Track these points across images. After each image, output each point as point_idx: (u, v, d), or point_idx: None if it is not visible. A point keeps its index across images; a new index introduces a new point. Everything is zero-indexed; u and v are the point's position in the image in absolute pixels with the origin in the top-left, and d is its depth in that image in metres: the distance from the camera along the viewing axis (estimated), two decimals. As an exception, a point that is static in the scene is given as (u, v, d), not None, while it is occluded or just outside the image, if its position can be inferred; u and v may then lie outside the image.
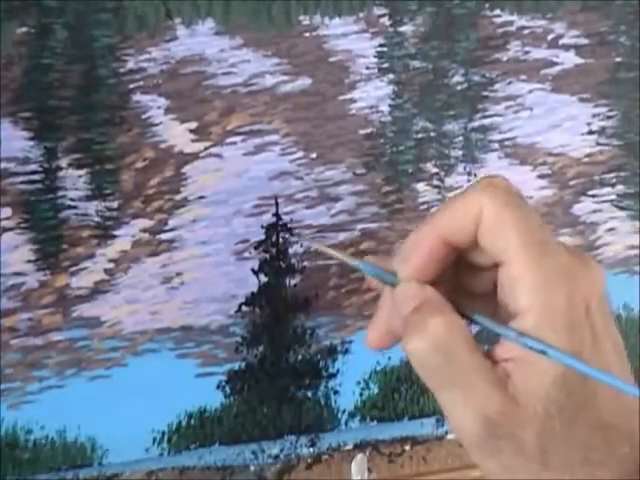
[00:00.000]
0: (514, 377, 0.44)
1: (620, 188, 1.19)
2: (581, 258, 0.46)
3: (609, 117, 1.17)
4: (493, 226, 0.45)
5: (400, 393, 1.14)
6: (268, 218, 1.09)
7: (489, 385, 0.44)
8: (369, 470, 1.12)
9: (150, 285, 1.06)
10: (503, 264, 0.45)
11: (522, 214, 0.46)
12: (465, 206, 0.46)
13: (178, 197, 1.07)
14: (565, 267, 0.45)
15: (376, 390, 1.13)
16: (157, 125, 1.06)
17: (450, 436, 1.14)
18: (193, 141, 1.07)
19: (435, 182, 1.14)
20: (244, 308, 1.09)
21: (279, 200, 1.09)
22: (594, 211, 1.19)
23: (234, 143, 1.08)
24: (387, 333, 0.49)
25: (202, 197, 1.07)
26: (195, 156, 1.07)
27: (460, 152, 1.14)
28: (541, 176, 1.17)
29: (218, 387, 1.09)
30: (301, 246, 1.09)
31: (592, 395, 0.44)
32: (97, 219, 1.05)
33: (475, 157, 1.14)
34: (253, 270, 1.09)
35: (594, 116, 1.17)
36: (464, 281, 0.48)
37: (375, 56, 1.11)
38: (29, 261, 1.03)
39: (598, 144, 1.18)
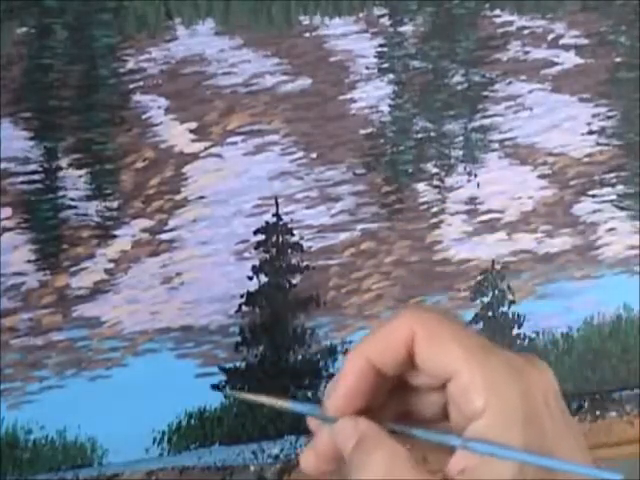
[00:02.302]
0: None
1: (620, 188, 1.19)
2: (527, 357, 0.46)
3: (609, 117, 1.17)
4: (430, 344, 0.45)
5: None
6: (268, 218, 1.09)
7: None
8: (369, 470, 1.12)
9: (150, 285, 1.06)
10: (451, 378, 0.45)
11: (456, 326, 0.46)
12: (394, 330, 0.46)
13: (178, 197, 1.07)
14: (514, 366, 0.45)
15: (376, 390, 1.13)
16: (157, 125, 1.06)
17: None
18: (193, 141, 1.07)
19: (435, 182, 1.14)
20: (244, 308, 1.09)
21: (279, 200, 1.09)
22: (594, 211, 1.19)
23: (234, 143, 1.08)
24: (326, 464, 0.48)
25: (202, 197, 1.07)
26: (195, 156, 1.07)
27: (460, 152, 1.14)
28: (541, 176, 1.17)
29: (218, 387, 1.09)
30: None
31: None
32: (97, 219, 1.05)
33: (475, 157, 1.14)
34: (253, 270, 1.09)
35: (594, 116, 1.17)
36: (411, 406, 0.48)
37: (375, 56, 1.11)
38: (29, 261, 1.03)
39: (598, 144, 1.18)
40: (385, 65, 1.11)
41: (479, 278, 1.15)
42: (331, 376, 1.12)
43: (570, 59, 1.16)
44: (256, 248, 1.09)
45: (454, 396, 0.45)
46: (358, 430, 0.46)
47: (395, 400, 0.47)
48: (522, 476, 0.43)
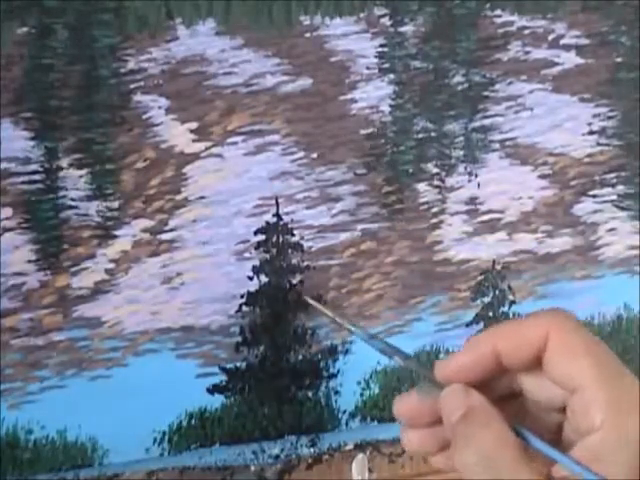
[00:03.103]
0: None
1: (621, 188, 1.19)
2: None
3: (610, 117, 1.17)
4: (563, 352, 0.45)
5: (401, 393, 1.14)
6: (269, 218, 1.09)
7: None
8: (370, 470, 1.12)
9: (151, 285, 1.06)
10: (575, 391, 0.44)
11: (591, 340, 0.45)
12: (530, 328, 0.46)
13: (179, 197, 1.07)
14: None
15: (377, 390, 1.13)
16: (158, 125, 1.06)
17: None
18: (194, 141, 1.07)
19: (436, 182, 1.14)
20: (244, 308, 1.09)
21: (280, 200, 1.09)
22: (595, 211, 1.19)
23: (235, 143, 1.08)
24: (430, 436, 0.48)
25: (203, 197, 1.07)
26: (196, 156, 1.07)
27: (461, 152, 1.14)
28: (542, 176, 1.17)
29: (218, 387, 1.09)
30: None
31: None
32: (98, 219, 1.05)
33: (476, 157, 1.14)
34: (253, 270, 1.09)
35: (595, 116, 1.17)
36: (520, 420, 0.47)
37: (376, 56, 1.11)
38: (30, 261, 1.03)
39: (599, 144, 1.18)
40: (386, 65, 1.11)
41: (479, 278, 1.15)
42: (331, 376, 1.12)
43: (571, 59, 1.16)
44: (256, 248, 1.09)
45: (574, 410, 0.45)
46: (469, 400, 0.45)
47: (502, 408, 0.46)
48: None
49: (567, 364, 0.45)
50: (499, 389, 0.47)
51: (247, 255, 1.09)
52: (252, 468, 1.10)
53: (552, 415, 0.47)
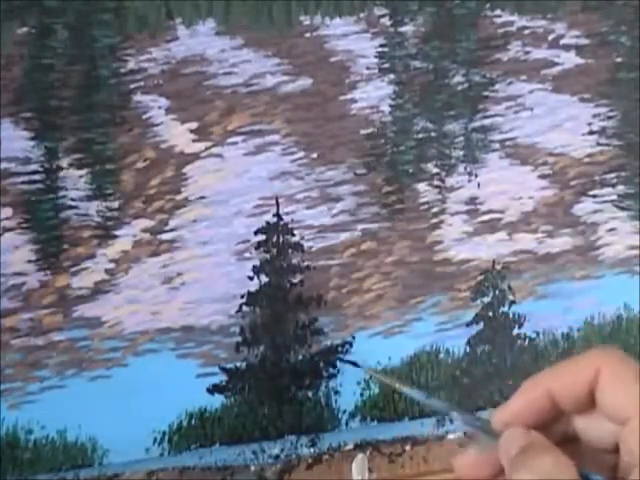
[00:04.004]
0: None
1: (621, 188, 1.19)
2: None
3: (610, 117, 1.17)
4: (614, 383, 0.45)
5: (400, 393, 1.14)
6: (269, 218, 1.09)
7: None
8: (369, 470, 1.12)
9: (151, 285, 1.06)
10: (628, 420, 0.44)
11: None
12: (580, 366, 0.46)
13: (179, 197, 1.07)
14: None
15: (376, 390, 1.13)
16: (158, 125, 1.06)
17: (450, 436, 1.14)
18: (194, 141, 1.07)
19: (436, 182, 1.14)
20: (244, 308, 1.09)
21: (280, 200, 1.09)
22: (595, 211, 1.19)
23: (235, 143, 1.08)
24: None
25: (203, 197, 1.07)
26: (196, 156, 1.07)
27: (461, 152, 1.14)
28: (542, 176, 1.17)
29: (218, 387, 1.09)
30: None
31: None
32: (98, 219, 1.05)
33: (476, 157, 1.14)
34: (254, 270, 1.09)
35: (595, 116, 1.17)
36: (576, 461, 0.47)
37: (376, 56, 1.11)
38: (30, 261, 1.03)
39: (599, 144, 1.18)
40: (386, 65, 1.11)
41: (480, 278, 1.15)
42: (331, 376, 1.12)
43: (571, 59, 1.16)
44: (257, 248, 1.09)
45: (627, 440, 0.45)
46: (529, 437, 0.45)
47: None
48: None
49: (618, 394, 0.45)
50: (555, 434, 0.47)
51: (247, 255, 1.09)
52: (252, 468, 1.10)
53: (607, 457, 0.47)
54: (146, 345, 1.06)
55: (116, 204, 1.05)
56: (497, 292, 1.16)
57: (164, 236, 1.07)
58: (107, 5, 1.01)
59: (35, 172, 1.02)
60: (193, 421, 1.08)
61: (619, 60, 1.17)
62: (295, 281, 1.10)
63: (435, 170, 1.14)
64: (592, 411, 0.46)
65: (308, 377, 1.12)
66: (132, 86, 1.04)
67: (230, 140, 1.08)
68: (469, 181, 1.15)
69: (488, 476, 0.47)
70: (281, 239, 1.09)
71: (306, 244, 1.10)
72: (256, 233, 1.09)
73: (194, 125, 1.07)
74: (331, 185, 1.11)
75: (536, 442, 0.45)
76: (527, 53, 1.15)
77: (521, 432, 0.46)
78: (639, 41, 1.17)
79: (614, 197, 1.19)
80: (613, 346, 0.47)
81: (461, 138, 1.14)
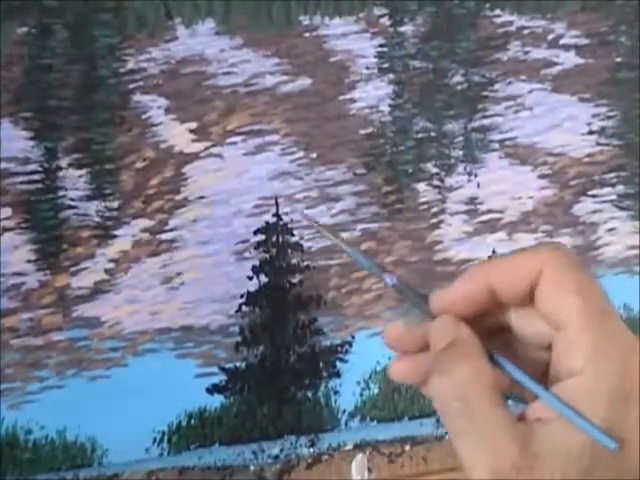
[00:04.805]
0: (540, 437, 0.43)
1: (620, 188, 1.19)
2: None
3: (609, 117, 1.17)
4: (554, 287, 0.45)
5: (400, 393, 1.14)
6: (268, 218, 1.09)
7: (508, 439, 0.43)
8: (369, 470, 1.12)
9: (150, 285, 1.06)
10: (561, 328, 0.44)
11: (584, 279, 0.45)
12: (524, 261, 0.46)
13: (178, 197, 1.07)
14: (626, 341, 0.44)
15: (376, 390, 1.13)
16: (157, 125, 1.06)
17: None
18: (193, 141, 1.07)
19: (435, 182, 1.14)
20: (244, 308, 1.09)
21: (279, 200, 1.09)
22: (594, 211, 1.19)
23: (234, 143, 1.08)
24: (414, 366, 0.48)
25: (202, 197, 1.07)
26: (195, 156, 1.07)
27: (460, 152, 1.14)
28: (541, 176, 1.17)
29: (218, 387, 1.09)
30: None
31: (629, 470, 0.42)
32: (97, 219, 1.05)
33: (475, 157, 1.14)
34: (253, 270, 1.09)
35: (594, 116, 1.17)
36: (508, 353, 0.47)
37: (375, 56, 1.11)
38: (29, 261, 1.03)
39: (598, 144, 1.18)
40: (385, 65, 1.11)
41: (479, 278, 1.15)
42: (331, 376, 1.12)
43: (570, 59, 1.16)
44: (256, 248, 1.09)
45: (557, 348, 0.44)
46: (456, 331, 0.45)
47: (491, 342, 0.47)
48: (591, 452, 0.42)
49: (555, 300, 0.45)
50: (489, 323, 0.47)
51: (247, 255, 1.09)
52: (252, 468, 1.10)
53: (539, 353, 0.47)
54: (146, 345, 1.06)
55: (115, 204, 1.05)
56: (497, 292, 1.16)
57: (163, 236, 1.07)
58: (106, 5, 1.01)
59: (34, 172, 1.02)
60: (192, 421, 1.08)
61: (619, 60, 1.17)
62: (295, 281, 1.10)
63: (435, 170, 1.14)
64: (530, 307, 0.46)
65: (308, 377, 1.12)
66: (131, 86, 1.04)
67: (229, 140, 1.08)
68: (469, 181, 1.15)
69: (410, 349, 0.48)
70: (281, 239, 1.09)
71: (306, 244, 1.10)
72: (255, 233, 1.09)
73: (193, 125, 1.07)
74: (330, 185, 1.11)
75: (462, 340, 0.45)
76: (526, 53, 1.15)
77: (452, 325, 0.46)
78: (639, 41, 1.17)
79: (614, 197, 1.19)
80: (560, 245, 0.46)
81: (460, 138, 1.14)
